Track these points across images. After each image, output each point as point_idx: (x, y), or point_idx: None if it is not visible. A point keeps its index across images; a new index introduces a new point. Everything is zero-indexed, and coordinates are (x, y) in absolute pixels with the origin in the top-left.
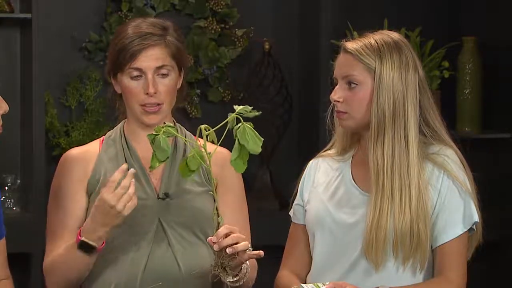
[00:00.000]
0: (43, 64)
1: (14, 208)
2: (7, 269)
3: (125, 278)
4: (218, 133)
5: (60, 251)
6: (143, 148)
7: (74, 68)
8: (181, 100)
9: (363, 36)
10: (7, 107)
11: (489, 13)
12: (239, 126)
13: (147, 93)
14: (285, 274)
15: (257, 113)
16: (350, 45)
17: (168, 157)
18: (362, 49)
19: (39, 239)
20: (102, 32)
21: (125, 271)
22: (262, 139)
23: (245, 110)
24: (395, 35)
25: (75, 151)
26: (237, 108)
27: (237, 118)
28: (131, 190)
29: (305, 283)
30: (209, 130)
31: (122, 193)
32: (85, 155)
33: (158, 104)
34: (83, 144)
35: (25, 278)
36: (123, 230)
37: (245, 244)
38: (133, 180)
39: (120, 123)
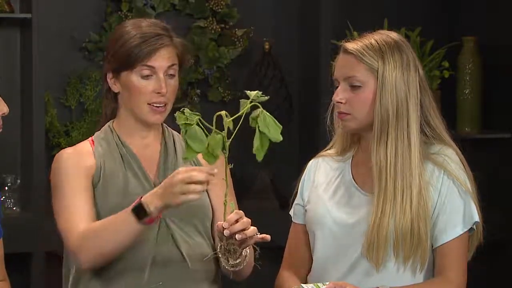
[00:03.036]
0: (43, 64)
1: (14, 208)
2: (4, 270)
3: (132, 274)
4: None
5: (100, 221)
6: (137, 146)
7: (74, 68)
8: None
9: (362, 37)
10: (7, 109)
11: (489, 13)
12: (258, 114)
13: (158, 92)
14: (285, 274)
15: (265, 98)
16: (351, 45)
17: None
18: (364, 49)
19: (39, 239)
20: (102, 32)
21: (133, 267)
22: (281, 126)
23: (257, 96)
24: (394, 35)
25: (69, 150)
26: (251, 94)
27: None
28: (200, 188)
29: (305, 283)
30: (228, 117)
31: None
32: (80, 151)
33: (165, 104)
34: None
35: (25, 278)
36: None
37: (253, 229)
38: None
39: (107, 124)
